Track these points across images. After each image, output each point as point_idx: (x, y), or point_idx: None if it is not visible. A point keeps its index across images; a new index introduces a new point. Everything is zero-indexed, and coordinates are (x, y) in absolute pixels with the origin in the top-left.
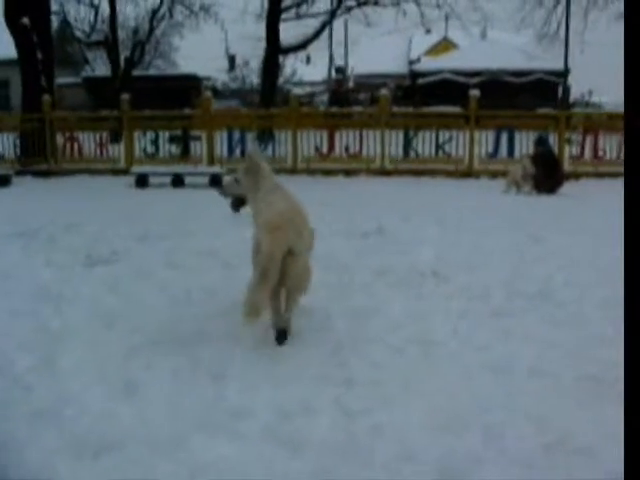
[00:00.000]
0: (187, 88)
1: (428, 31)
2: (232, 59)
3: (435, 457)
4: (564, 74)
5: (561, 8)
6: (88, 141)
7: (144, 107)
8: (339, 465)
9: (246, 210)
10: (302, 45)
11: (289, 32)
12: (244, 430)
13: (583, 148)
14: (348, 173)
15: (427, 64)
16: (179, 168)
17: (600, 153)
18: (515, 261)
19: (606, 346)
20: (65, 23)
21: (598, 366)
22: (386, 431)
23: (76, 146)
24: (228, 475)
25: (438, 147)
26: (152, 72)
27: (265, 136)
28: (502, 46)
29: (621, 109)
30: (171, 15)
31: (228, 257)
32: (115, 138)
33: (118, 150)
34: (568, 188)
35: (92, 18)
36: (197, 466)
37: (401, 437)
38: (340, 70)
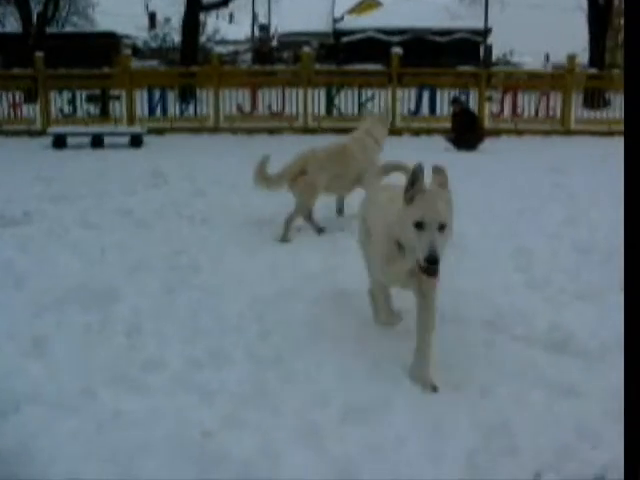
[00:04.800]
0: (105, 47)
1: None
2: (152, 16)
3: (344, 401)
4: (485, 33)
5: None
6: (0, 101)
7: (60, 67)
8: (249, 412)
9: None
10: (223, 2)
11: None
12: (155, 382)
13: (503, 106)
14: (271, 132)
15: (351, 22)
16: (98, 128)
17: (519, 110)
18: None
19: (510, 293)
20: None
21: (500, 311)
22: (297, 379)
23: None
24: (136, 425)
25: (360, 105)
26: (68, 29)
27: (187, 95)
28: (426, 5)
29: (539, 66)
30: None
31: (142, 215)
32: (30, 98)
33: (33, 110)
34: (488, 145)
35: None
36: (104, 418)
37: (312, 384)
38: (264, 28)
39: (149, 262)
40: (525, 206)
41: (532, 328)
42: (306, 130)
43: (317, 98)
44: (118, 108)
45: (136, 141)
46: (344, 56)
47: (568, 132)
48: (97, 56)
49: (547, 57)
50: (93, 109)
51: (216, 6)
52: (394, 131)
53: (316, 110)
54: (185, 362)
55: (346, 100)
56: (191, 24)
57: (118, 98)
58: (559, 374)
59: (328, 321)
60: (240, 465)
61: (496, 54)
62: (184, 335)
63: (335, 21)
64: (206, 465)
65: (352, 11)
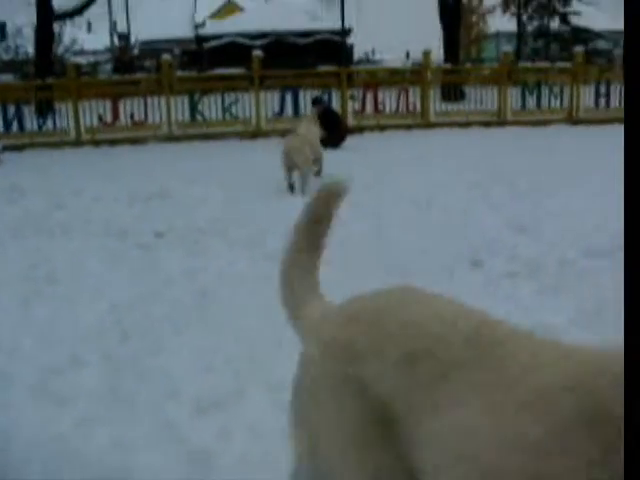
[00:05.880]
0: None
1: None
2: (2, 27)
3: (196, 394)
4: (343, 33)
5: None
6: None
7: None
8: (105, 411)
9: None
10: (78, 11)
11: None
12: (7, 397)
13: (365, 103)
14: (134, 141)
15: (213, 28)
16: None
17: (380, 107)
18: (283, 212)
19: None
20: None
21: None
22: (152, 376)
23: None
24: None
25: (225, 109)
26: None
27: (44, 109)
28: (286, 7)
29: (399, 64)
30: None
31: None
32: None
33: None
34: (352, 141)
35: None
36: None
37: (166, 380)
38: (123, 37)
39: (2, 277)
40: (381, 194)
41: None
42: (171, 138)
43: (180, 105)
44: None
45: None
46: (207, 62)
47: (428, 125)
48: None
49: (407, 54)
50: None
51: (70, 15)
52: (260, 133)
53: (180, 117)
54: (40, 372)
55: (210, 105)
56: (45, 34)
57: None
58: None
59: (187, 320)
60: (92, 461)
61: (358, 53)
62: (40, 346)
63: (197, 27)
64: (56, 465)
65: (214, 16)
